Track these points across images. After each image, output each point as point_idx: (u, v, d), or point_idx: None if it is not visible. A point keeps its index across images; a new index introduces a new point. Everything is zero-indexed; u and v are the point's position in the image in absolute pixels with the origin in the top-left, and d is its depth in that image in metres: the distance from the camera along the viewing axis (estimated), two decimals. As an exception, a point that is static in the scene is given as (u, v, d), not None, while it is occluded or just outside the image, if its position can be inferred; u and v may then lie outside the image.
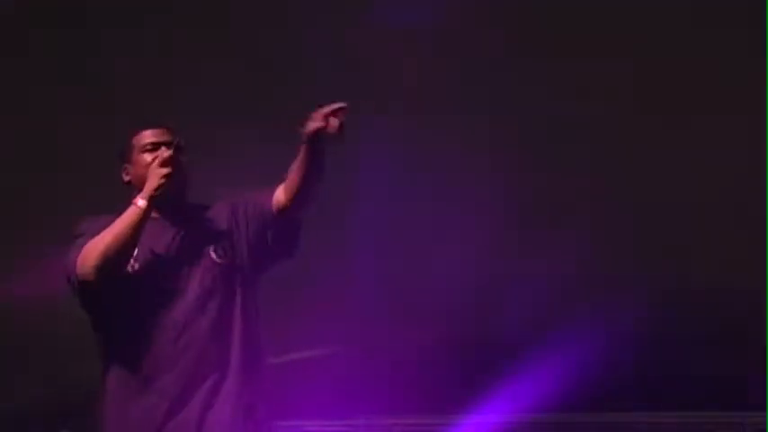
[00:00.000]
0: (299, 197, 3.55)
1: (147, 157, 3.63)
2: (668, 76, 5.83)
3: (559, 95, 5.97)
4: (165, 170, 3.53)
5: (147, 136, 3.69)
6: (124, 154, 3.71)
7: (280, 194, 3.58)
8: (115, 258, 3.47)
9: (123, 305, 3.55)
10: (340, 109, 3.42)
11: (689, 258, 6.03)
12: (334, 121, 3.41)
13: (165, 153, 3.57)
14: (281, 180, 3.61)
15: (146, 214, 3.51)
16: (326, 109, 3.42)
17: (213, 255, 3.56)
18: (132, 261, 3.55)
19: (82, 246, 3.53)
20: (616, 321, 6.07)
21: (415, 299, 6.31)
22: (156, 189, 3.52)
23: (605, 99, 6.02)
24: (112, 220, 3.53)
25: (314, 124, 3.42)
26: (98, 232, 3.52)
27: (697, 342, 5.92)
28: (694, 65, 5.87)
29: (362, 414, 6.32)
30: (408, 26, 5.74)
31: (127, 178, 3.71)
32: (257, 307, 3.63)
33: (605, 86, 6.00)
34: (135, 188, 3.61)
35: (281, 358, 6.02)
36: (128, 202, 3.56)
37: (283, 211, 3.57)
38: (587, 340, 5.91)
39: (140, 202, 3.51)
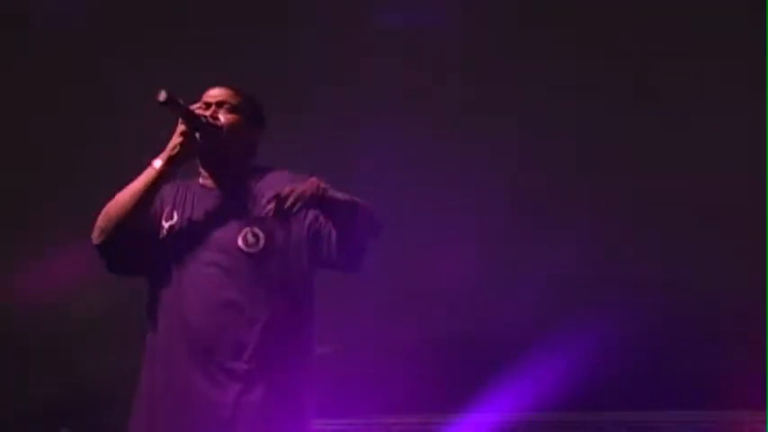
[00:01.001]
0: (349, 248, 3.44)
1: None
2: (669, 76, 5.84)
3: (559, 95, 5.98)
4: (181, 128, 3.43)
5: (204, 96, 3.57)
6: None
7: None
8: (121, 221, 3.39)
9: (153, 271, 3.46)
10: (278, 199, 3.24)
11: (689, 258, 6.02)
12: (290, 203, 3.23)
13: (188, 110, 3.44)
14: None
15: (161, 175, 3.41)
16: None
17: (241, 242, 3.40)
18: (167, 226, 3.47)
19: None
20: (616, 320, 6.06)
21: (415, 298, 6.30)
22: (172, 149, 3.43)
23: (605, 98, 6.03)
24: None
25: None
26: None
27: (697, 342, 5.91)
28: (695, 64, 5.89)
29: (361, 413, 6.30)
30: (409, 27, 5.75)
31: None
32: (296, 298, 3.46)
33: (606, 85, 6.01)
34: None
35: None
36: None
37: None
38: (587, 339, 5.90)
39: (156, 162, 3.43)
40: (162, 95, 3.35)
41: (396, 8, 5.76)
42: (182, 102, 3.43)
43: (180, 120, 3.44)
